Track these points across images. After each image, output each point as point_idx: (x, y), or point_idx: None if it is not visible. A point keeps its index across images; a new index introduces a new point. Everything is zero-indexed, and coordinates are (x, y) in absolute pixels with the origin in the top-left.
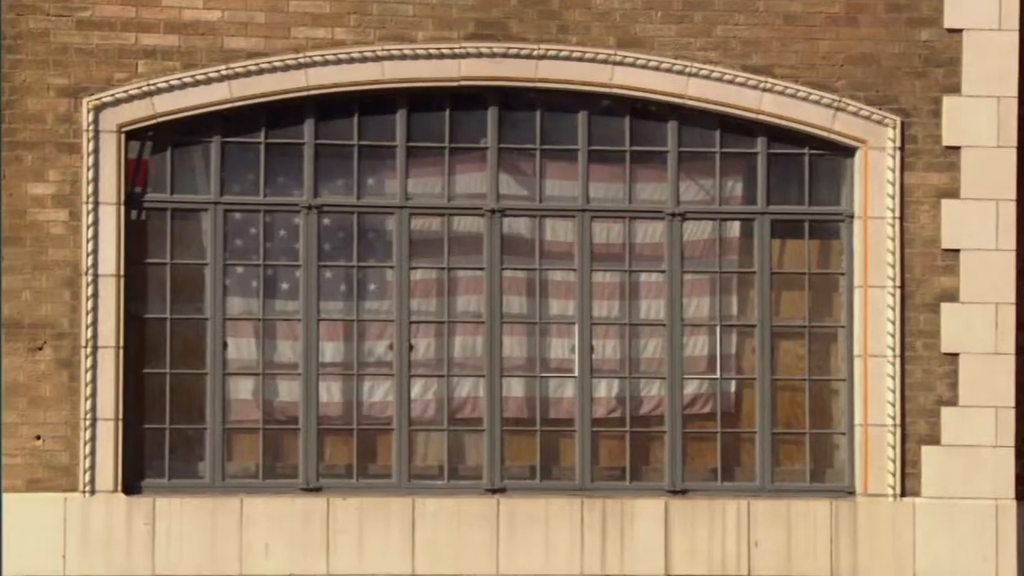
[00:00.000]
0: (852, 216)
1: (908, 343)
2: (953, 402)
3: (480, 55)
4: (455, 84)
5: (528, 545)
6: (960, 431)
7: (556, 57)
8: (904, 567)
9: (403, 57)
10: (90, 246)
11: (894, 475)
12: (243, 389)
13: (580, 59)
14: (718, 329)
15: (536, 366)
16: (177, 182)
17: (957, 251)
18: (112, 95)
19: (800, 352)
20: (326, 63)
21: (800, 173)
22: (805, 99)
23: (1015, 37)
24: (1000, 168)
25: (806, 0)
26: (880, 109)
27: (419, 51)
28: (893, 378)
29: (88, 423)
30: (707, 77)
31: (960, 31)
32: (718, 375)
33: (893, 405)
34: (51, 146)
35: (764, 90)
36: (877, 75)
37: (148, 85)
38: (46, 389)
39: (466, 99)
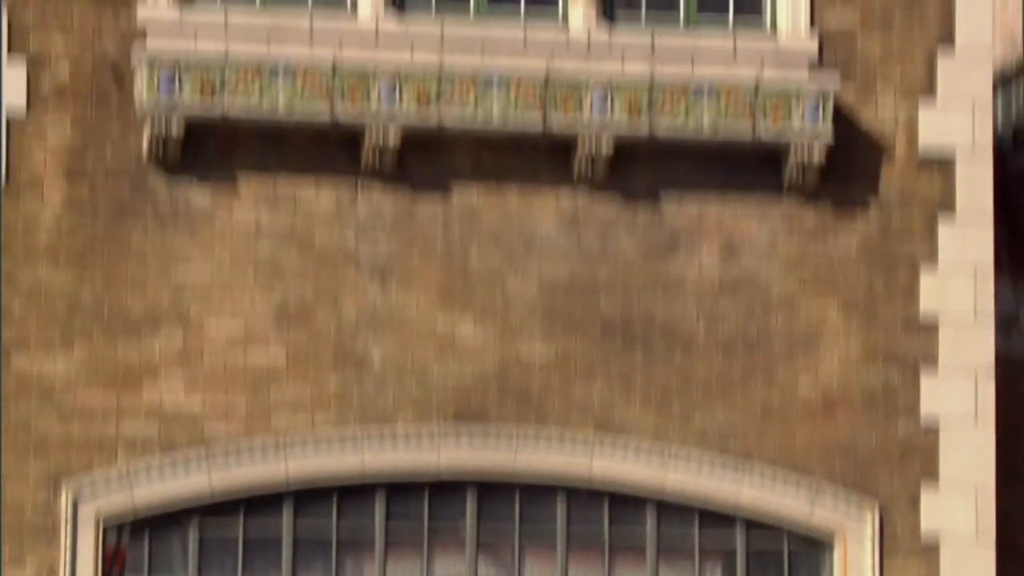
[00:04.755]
0: None
1: None
2: None
3: (459, 443)
4: (434, 476)
5: None
6: None
7: (536, 438)
8: None
9: (382, 445)
10: None
11: None
12: None
13: (560, 440)
14: None
15: None
16: (154, 570)
17: None
18: (91, 482)
19: None
20: (304, 449)
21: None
22: (783, 487)
23: (991, 434)
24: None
25: (784, 391)
26: (858, 497)
27: (399, 437)
28: None
29: None
30: (687, 462)
31: (937, 424)
32: None
33: None
34: (29, 534)
35: (743, 477)
36: (854, 464)
37: (128, 473)
38: None
39: (446, 483)
